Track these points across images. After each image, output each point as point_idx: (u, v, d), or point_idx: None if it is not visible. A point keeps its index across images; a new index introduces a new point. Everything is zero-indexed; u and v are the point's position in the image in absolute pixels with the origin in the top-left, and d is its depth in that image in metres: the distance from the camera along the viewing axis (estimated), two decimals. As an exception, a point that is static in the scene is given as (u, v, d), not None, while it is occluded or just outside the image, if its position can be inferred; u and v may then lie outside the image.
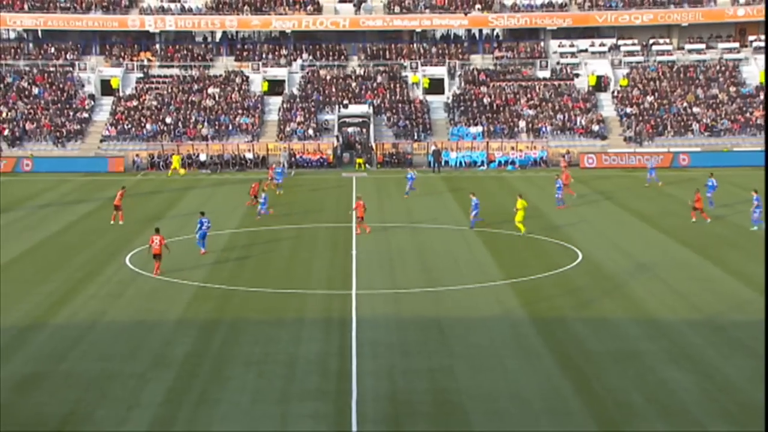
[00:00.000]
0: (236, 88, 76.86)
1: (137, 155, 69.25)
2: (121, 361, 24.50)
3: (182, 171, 65.09)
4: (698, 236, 40.67)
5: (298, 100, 75.74)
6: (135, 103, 75.09)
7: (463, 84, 77.43)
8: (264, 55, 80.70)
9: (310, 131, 72.30)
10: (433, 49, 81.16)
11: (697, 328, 27.09)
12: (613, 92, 76.47)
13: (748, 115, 72.66)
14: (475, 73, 78.37)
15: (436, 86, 77.55)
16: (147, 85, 77.40)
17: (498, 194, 53.31)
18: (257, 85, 77.51)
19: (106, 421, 20.50)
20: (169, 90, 76.68)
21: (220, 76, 78.55)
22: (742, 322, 27.72)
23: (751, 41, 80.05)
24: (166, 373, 23.58)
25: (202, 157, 68.96)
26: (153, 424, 20.35)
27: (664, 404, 21.15)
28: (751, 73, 77.12)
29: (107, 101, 76.19)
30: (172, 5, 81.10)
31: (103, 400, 21.73)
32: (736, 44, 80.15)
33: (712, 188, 48.29)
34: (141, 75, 78.61)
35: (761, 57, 77.89)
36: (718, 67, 77.74)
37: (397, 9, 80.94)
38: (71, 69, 78.47)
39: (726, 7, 79.63)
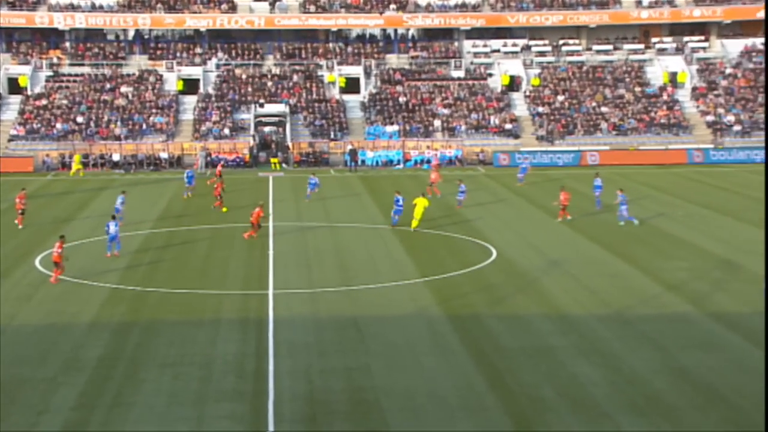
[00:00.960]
0: (150, 87, 75.76)
1: (47, 155, 67.75)
2: (32, 366, 23.91)
3: (82, 172, 63.69)
4: (607, 233, 41.43)
5: (213, 99, 74.99)
6: (44, 102, 73.44)
7: (378, 83, 77.63)
8: (178, 54, 79.70)
9: (226, 131, 71.68)
10: (349, 49, 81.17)
11: (606, 322, 27.56)
12: (525, 92, 77.52)
13: (652, 114, 74.36)
14: (391, 72, 78.65)
15: (352, 85, 77.55)
16: (57, 84, 75.76)
17: (414, 193, 53.41)
18: (172, 84, 76.49)
19: (15, 428, 20.00)
20: (81, 89, 75.19)
21: (134, 74, 77.32)
22: (648, 316, 28.32)
23: (654, 43, 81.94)
24: (78, 377, 23.10)
25: (116, 157, 67.82)
26: (65, 429, 19.93)
27: (575, 398, 21.50)
28: (655, 74, 78.95)
29: (15, 100, 74.35)
30: (82, 2, 79.54)
31: (12, 407, 21.16)
32: (641, 45, 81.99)
33: (599, 188, 47.50)
34: (50, 73, 76.90)
35: (664, 58, 79.91)
36: (624, 68, 79.41)
37: (312, 8, 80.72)
38: (-22, 67, 76.46)
39: (630, 10, 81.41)
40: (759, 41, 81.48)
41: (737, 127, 73.15)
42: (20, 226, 42.86)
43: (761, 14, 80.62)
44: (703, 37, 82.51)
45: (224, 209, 46.97)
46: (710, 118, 74.38)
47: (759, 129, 73.08)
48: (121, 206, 43.54)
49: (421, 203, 41.77)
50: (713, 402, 21.28)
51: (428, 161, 67.55)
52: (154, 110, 73.32)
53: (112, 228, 36.46)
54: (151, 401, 21.47)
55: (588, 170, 61.60)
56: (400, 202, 42.53)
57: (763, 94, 76.24)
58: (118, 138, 70.05)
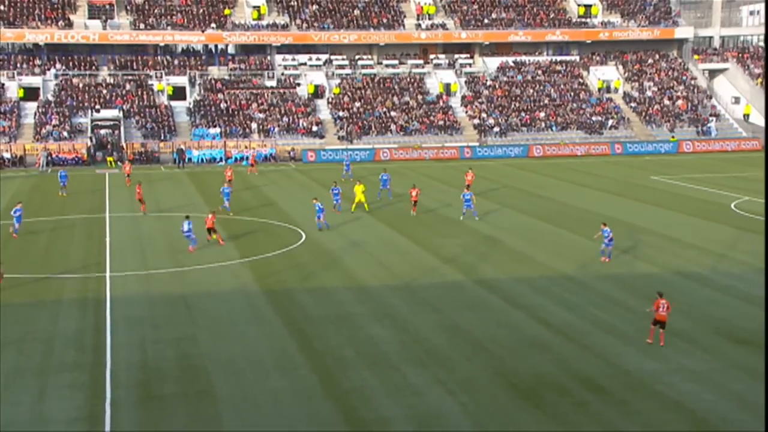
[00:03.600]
0: (-7, 94, 70.88)
1: None
2: None
3: None
4: (397, 219, 42.10)
5: (53, 105, 71.01)
6: None
7: (202, 91, 75.81)
8: (19, 65, 74.93)
9: (65, 133, 68.06)
10: (176, 61, 78.80)
11: (395, 291, 28.08)
12: (328, 99, 77.70)
13: (431, 118, 76.30)
14: (213, 82, 76.95)
15: (179, 93, 75.37)
16: None
17: (236, 187, 52.71)
18: (13, 91, 71.83)
19: None
20: (-74, 95, 69.42)
21: (-23, 82, 72.10)
22: (429, 284, 29.05)
23: (432, 59, 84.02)
24: (-73, 358, 21.45)
25: (-39, 157, 63.19)
26: None
27: (371, 355, 21.83)
28: (433, 84, 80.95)
29: None
30: (-73, 16, 73.39)
31: None
32: (421, 61, 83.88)
33: (386, 183, 47.51)
34: None
35: (439, 72, 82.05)
36: (408, 79, 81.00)
37: (142, 26, 77.82)
38: None
39: (412, 31, 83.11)
40: (510, 59, 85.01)
41: (496, 129, 76.17)
42: None
43: (511, 38, 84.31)
44: (469, 55, 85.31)
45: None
46: (476, 121, 77.08)
47: (513, 130, 76.38)
48: None
49: (359, 189, 43.03)
50: (478, 352, 22.12)
51: (247, 158, 66.72)
52: (-3, 114, 68.68)
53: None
54: (-4, 377, 20.20)
55: (383, 165, 62.51)
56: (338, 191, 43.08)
57: (514, 102, 79.74)
58: (-37, 139, 65.22)
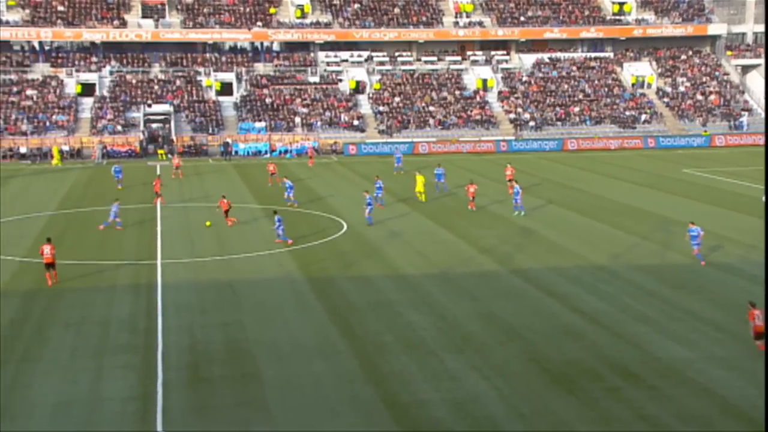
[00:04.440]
0: (52, 90, 72.04)
1: (-38, 149, 63.69)
2: (-50, 331, 22.57)
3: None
4: (435, 210, 42.05)
5: (108, 100, 72.01)
6: (-42, 102, 68.83)
7: (248, 87, 76.28)
8: (77, 62, 76.06)
9: (119, 127, 69.01)
10: (223, 58, 79.39)
11: (433, 279, 28.06)
12: (368, 94, 77.69)
13: (468, 113, 75.95)
14: (259, 78, 77.40)
15: (226, 89, 75.93)
16: (-31, 87, 71.10)
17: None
18: (71, 87, 72.95)
19: (-64, 385, 18.86)
20: (-10, 91, 70.85)
21: (37, 79, 73.31)
22: (466, 273, 28.99)
23: (469, 55, 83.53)
24: (-9, 338, 21.96)
25: (23, 150, 64.34)
26: (-20, 384, 18.93)
27: (409, 341, 21.86)
28: (470, 80, 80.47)
29: (-68, 101, 69.39)
30: (-9, 17, 74.89)
31: (-68, 366, 19.95)
32: (459, 58, 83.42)
33: (440, 177, 46.92)
34: (-37, 78, 72.10)
35: (476, 68, 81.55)
36: (446, 75, 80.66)
37: (191, 24, 78.55)
38: None
39: (450, 29, 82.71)
40: (546, 56, 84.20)
41: (532, 123, 75.59)
42: None
43: (547, 35, 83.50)
44: (505, 52, 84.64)
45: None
46: (512, 116, 76.56)
47: (548, 124, 75.76)
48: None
49: (419, 179, 42.86)
50: (512, 338, 22.03)
51: (293, 151, 67.11)
52: (56, 110, 69.81)
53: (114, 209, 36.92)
54: (56, 356, 20.66)
55: (422, 158, 62.38)
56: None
57: (549, 97, 79.04)
58: (24, 134, 66.41)
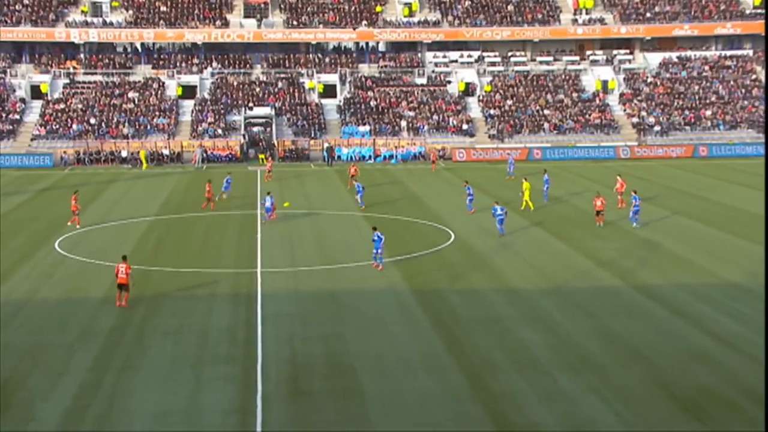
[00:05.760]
0: (153, 93, 75.03)
1: (65, 152, 67.09)
2: (52, 334, 23.79)
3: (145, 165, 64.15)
4: (548, 218, 41.53)
5: (208, 103, 74.42)
6: (62, 106, 72.56)
7: (352, 89, 77.33)
8: (178, 64, 78.96)
9: (220, 130, 71.19)
10: (327, 59, 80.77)
11: (547, 294, 27.71)
12: (479, 97, 77.50)
13: (587, 116, 74.67)
14: (363, 79, 78.37)
15: (329, 91, 77.22)
16: (73, 90, 74.80)
17: (383, 184, 53.56)
18: (172, 90, 75.78)
19: (39, 387, 19.89)
20: (93, 94, 74.36)
21: (139, 82, 76.52)
22: (583, 288, 28.50)
23: (588, 55, 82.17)
24: (92, 344, 22.99)
25: (124, 153, 67.24)
26: (82, 388, 19.84)
27: (520, 359, 21.63)
28: (589, 82, 79.15)
29: (37, 104, 73.38)
30: (95, 19, 78.64)
31: (35, 368, 21.07)
32: (577, 57, 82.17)
33: (547, 183, 46.67)
34: (67, 81, 75.89)
35: (596, 68, 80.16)
36: (563, 77, 79.59)
37: (295, 23, 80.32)
38: (3, 76, 75.36)
39: (568, 27, 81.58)
40: (674, 55, 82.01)
41: (657, 128, 73.64)
42: (77, 226, 38.94)
43: (676, 32, 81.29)
44: (628, 51, 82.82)
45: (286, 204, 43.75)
46: (635, 119, 74.81)
47: (675, 129, 73.68)
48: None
49: (526, 186, 43.16)
50: (636, 360, 21.50)
51: (398, 157, 67.69)
52: (157, 113, 72.67)
53: (268, 202, 40.23)
54: (155, 364, 21.41)
55: (535, 164, 61.79)
56: (470, 191, 43.45)
57: (678, 100, 76.82)
58: (125, 137, 69.42)
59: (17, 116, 71.60)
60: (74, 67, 77.52)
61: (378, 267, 30.92)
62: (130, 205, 46.46)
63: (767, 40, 75.12)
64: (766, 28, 73.37)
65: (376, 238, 30.87)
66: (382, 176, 56.54)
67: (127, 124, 70.94)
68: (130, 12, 79.55)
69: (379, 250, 30.96)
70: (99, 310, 26.18)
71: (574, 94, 77.26)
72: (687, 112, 75.41)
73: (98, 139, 68.65)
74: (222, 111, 73.22)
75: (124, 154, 67.18)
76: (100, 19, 78.61)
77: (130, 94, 74.63)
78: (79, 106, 72.69)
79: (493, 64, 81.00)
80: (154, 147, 68.14)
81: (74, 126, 70.10)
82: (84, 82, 76.14)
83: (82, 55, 78.76)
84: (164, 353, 22.26)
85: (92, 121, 70.98)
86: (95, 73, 77.29)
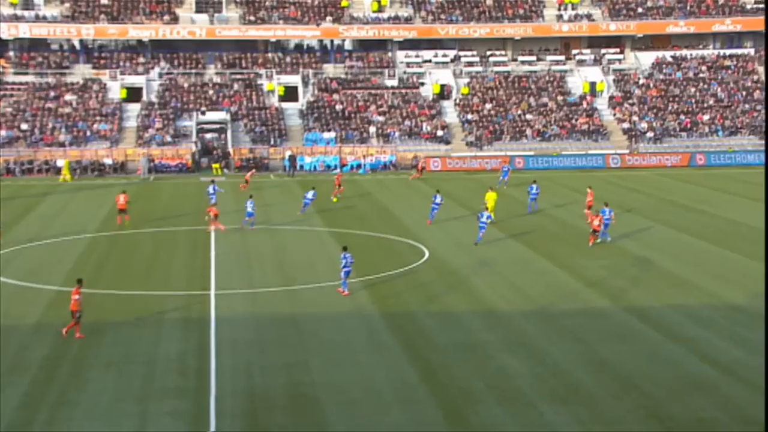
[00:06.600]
0: (94, 95, 74.60)
1: (-7, 161, 66.45)
2: (-22, 367, 23.43)
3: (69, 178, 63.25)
4: (531, 232, 41.82)
5: (156, 107, 74.15)
6: (-9, 109, 71.92)
7: (316, 92, 77.49)
8: (121, 63, 78.61)
9: (169, 137, 70.92)
10: (288, 59, 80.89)
11: (530, 317, 27.85)
12: (455, 100, 77.99)
13: (573, 121, 75.38)
14: (328, 81, 78.57)
15: (290, 94, 77.29)
16: (2, 92, 74.16)
17: (350, 196, 53.59)
18: (115, 92, 75.39)
19: (-37, 427, 19.60)
20: (25, 97, 73.76)
21: (77, 83, 76.06)
22: (570, 310, 28.69)
23: (574, 54, 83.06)
24: (22, 377, 22.67)
25: (60, 163, 66.66)
26: (8, 429, 19.53)
27: (502, 389, 21.71)
28: (576, 84, 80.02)
29: (-39, 107, 72.68)
30: (26, 13, 78.07)
31: (-41, 406, 20.74)
32: (562, 57, 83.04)
33: (534, 194, 47.42)
34: (-4, 82, 75.38)
35: (583, 69, 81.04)
36: (547, 78, 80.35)
37: (252, 19, 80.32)
38: None
39: (552, 23, 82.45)
40: (668, 54, 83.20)
41: (650, 134, 74.52)
42: None
43: (670, 29, 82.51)
44: (618, 50, 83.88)
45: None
46: (626, 125, 75.65)
47: (669, 135, 74.64)
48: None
49: (491, 197, 43.54)
50: (628, 390, 21.65)
51: (367, 166, 67.83)
52: (98, 117, 72.24)
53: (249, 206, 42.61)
54: (95, 400, 21.18)
55: (517, 174, 62.15)
56: (438, 200, 44.48)
57: (672, 103, 77.82)
58: (62, 144, 68.89)
59: (-61, 121, 70.89)
60: (3, 66, 76.86)
61: (343, 293, 30.62)
62: (68, 221, 46.05)
63: (767, 42, 76.57)
64: (766, 24, 74.71)
65: (345, 259, 30.43)
66: (350, 188, 56.51)
67: (63, 130, 70.42)
68: (67, 5, 79.12)
69: (348, 274, 30.65)
70: (30, 339, 25.86)
71: (560, 97, 77.99)
72: (682, 116, 76.39)
73: (31, 147, 68.05)
74: (171, 116, 72.97)
75: (60, 163, 66.64)
76: (33, 13, 78.09)
77: (67, 97, 74.12)
78: (9, 109, 72.07)
79: (470, 64, 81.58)
80: (94, 156, 67.65)
81: (3, 132, 69.43)
82: (14, 83, 75.53)
83: (11, 53, 78.13)
84: (105, 387, 22.04)
85: (24, 126, 70.39)
86: (27, 73, 76.72)
